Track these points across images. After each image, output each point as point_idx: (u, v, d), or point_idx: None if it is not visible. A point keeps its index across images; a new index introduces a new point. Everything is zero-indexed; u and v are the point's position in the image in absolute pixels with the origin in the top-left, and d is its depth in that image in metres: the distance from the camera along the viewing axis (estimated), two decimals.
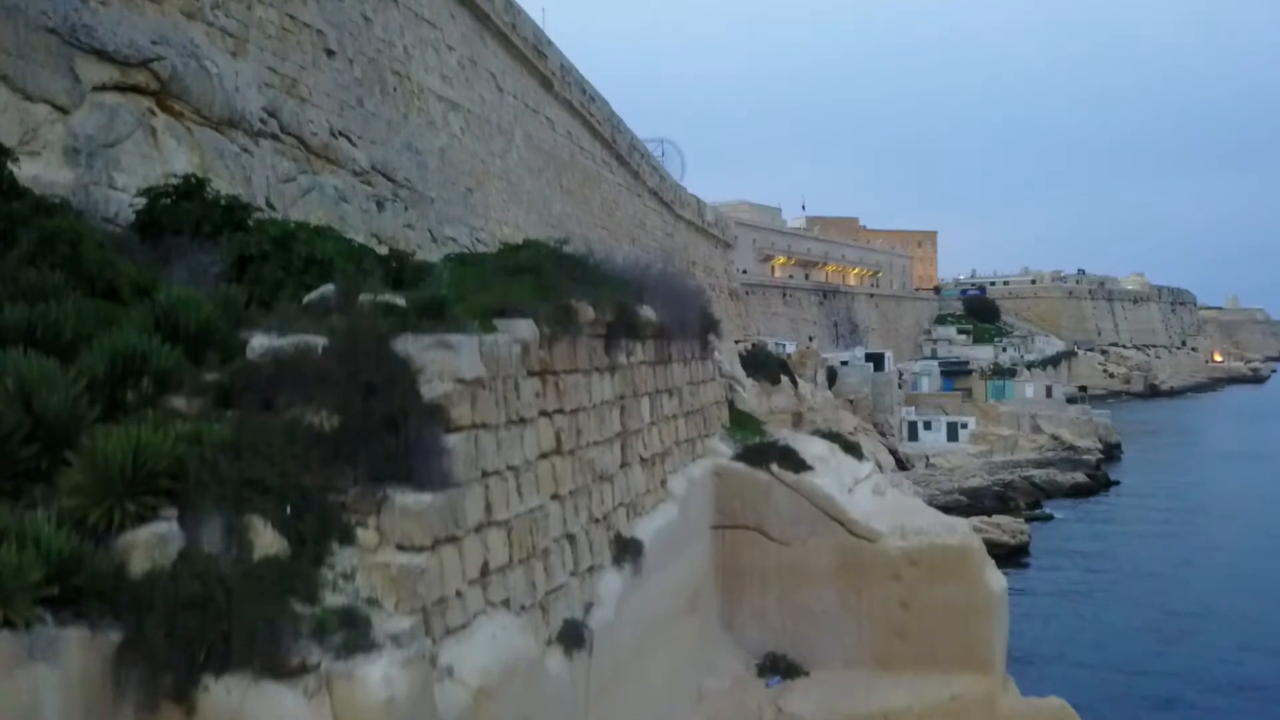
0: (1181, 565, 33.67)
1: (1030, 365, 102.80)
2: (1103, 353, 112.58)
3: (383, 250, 14.27)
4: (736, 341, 41.71)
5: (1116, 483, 48.95)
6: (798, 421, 44.68)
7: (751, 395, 39.98)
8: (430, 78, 16.95)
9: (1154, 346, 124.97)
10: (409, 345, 5.00)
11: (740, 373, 39.40)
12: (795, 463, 10.05)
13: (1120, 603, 29.30)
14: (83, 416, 4.17)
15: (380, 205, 14.28)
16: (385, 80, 15.33)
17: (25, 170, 8.72)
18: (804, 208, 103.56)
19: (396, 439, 4.68)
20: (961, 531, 10.13)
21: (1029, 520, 39.69)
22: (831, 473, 10.42)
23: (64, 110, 9.04)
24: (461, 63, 18.40)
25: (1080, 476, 47.41)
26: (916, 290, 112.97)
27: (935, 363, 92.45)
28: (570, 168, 23.83)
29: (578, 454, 6.73)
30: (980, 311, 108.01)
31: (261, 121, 11.83)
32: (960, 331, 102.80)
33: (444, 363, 5.00)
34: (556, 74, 23.24)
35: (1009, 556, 34.21)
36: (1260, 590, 30.82)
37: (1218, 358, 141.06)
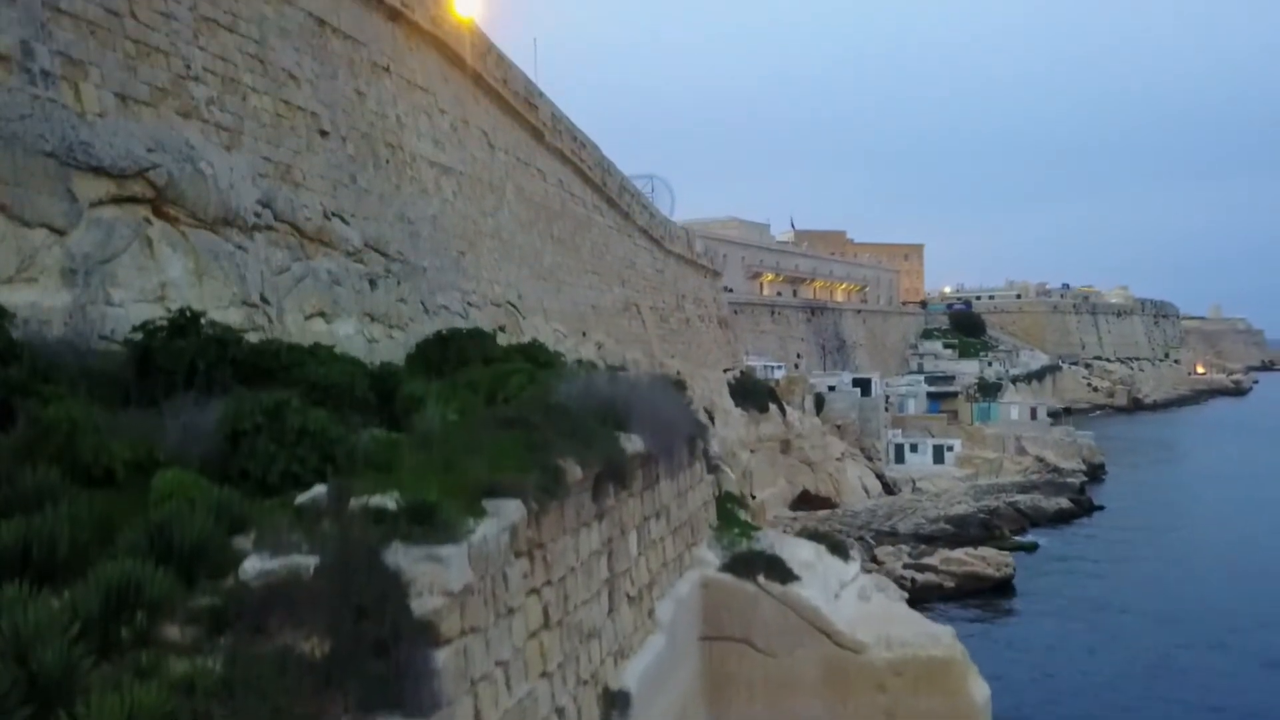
0: (1164, 600, 34.08)
1: (1015, 380, 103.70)
2: (1087, 366, 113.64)
3: (381, 330, 14.38)
4: (726, 370, 41.97)
5: (1100, 507, 49.46)
6: (786, 449, 45.03)
7: (740, 424, 40.26)
8: (422, 144, 17.04)
9: (1137, 359, 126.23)
10: (399, 557, 5.10)
11: (729, 403, 39.65)
12: (782, 572, 10.19)
13: (1106, 648, 29.62)
14: (78, 666, 4.25)
15: (373, 284, 14.36)
16: (378, 153, 15.42)
17: (22, 297, 8.79)
18: (793, 225, 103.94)
19: (387, 663, 4.78)
20: (945, 643, 10.29)
21: (1014, 549, 40.10)
22: (818, 580, 10.58)
23: (61, 232, 9.09)
24: (454, 124, 18.50)
25: (1064, 502, 47.88)
26: (903, 304, 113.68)
27: (921, 378, 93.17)
28: (561, 216, 23.95)
29: (566, 622, 6.85)
30: (966, 326, 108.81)
31: (256, 215, 11.90)
32: (946, 346, 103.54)
33: (434, 575, 5.10)
34: (547, 124, 23.36)
35: (994, 591, 34.65)
36: (1243, 623, 31.30)
37: (1200, 370, 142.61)
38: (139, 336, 8.32)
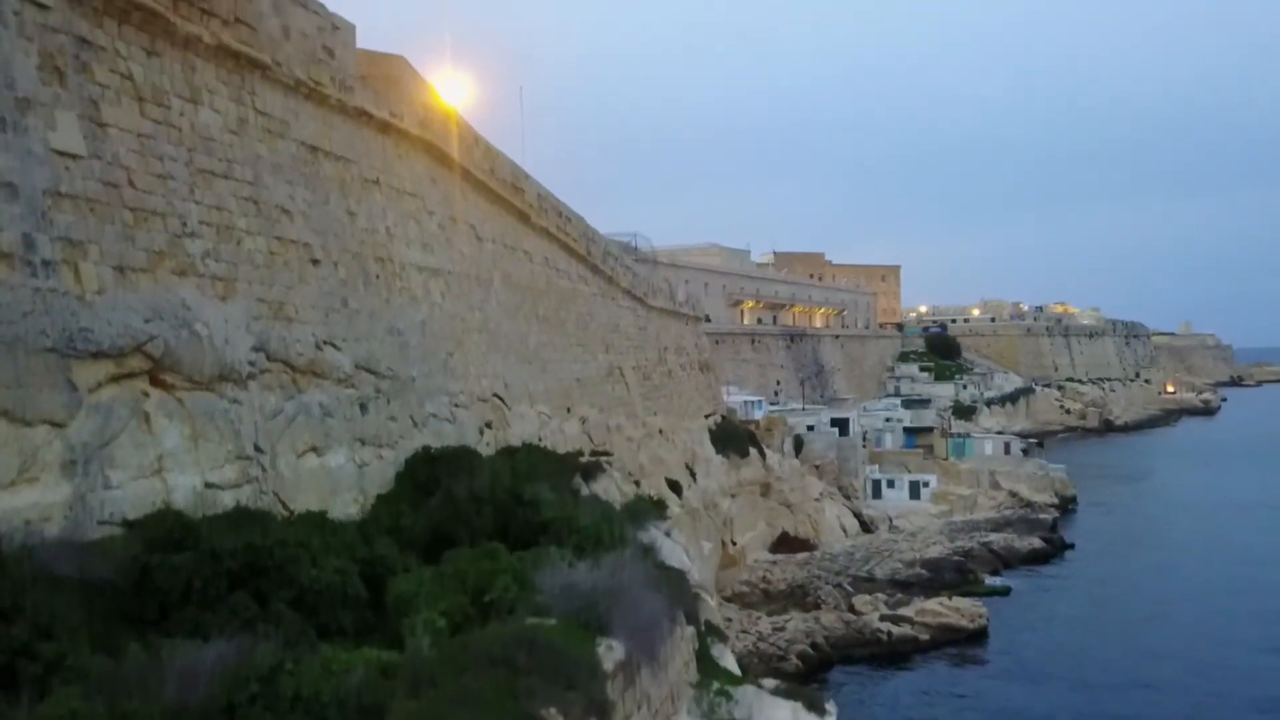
0: (1131, 651, 34.82)
1: (990, 402, 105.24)
2: (1059, 389, 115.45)
3: (371, 453, 14.53)
4: (707, 416, 42.37)
5: (1071, 545, 50.40)
6: (766, 492, 45.50)
7: (721, 472, 40.65)
8: (411, 251, 17.25)
9: (1109, 380, 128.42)
10: None
11: (710, 451, 40.03)
12: None
13: (1074, 702, 30.26)
14: None
15: (364, 408, 14.54)
16: (368, 271, 15.60)
17: (24, 499, 8.92)
18: (774, 253, 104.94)
19: None
20: None
21: (987, 594, 40.82)
22: None
23: (61, 424, 9.23)
24: (442, 224, 18.72)
25: (1036, 541, 48.74)
26: (881, 325, 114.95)
27: (898, 401, 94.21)
28: (546, 294, 24.21)
29: None
30: (941, 349, 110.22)
31: (250, 364, 12.06)
32: (922, 369, 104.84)
33: None
34: (533, 205, 23.62)
35: (968, 642, 35.27)
36: (1213, 674, 32.09)
37: (1170, 389, 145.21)
38: (138, 545, 8.47)
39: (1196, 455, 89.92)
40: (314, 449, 13.22)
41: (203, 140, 12.08)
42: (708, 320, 74.85)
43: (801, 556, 43.75)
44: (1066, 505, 59.77)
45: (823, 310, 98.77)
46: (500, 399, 19.88)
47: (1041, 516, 54.21)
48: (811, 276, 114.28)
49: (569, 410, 24.25)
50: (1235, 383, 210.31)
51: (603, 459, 21.09)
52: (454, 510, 12.75)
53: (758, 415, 50.89)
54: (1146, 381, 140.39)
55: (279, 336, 12.92)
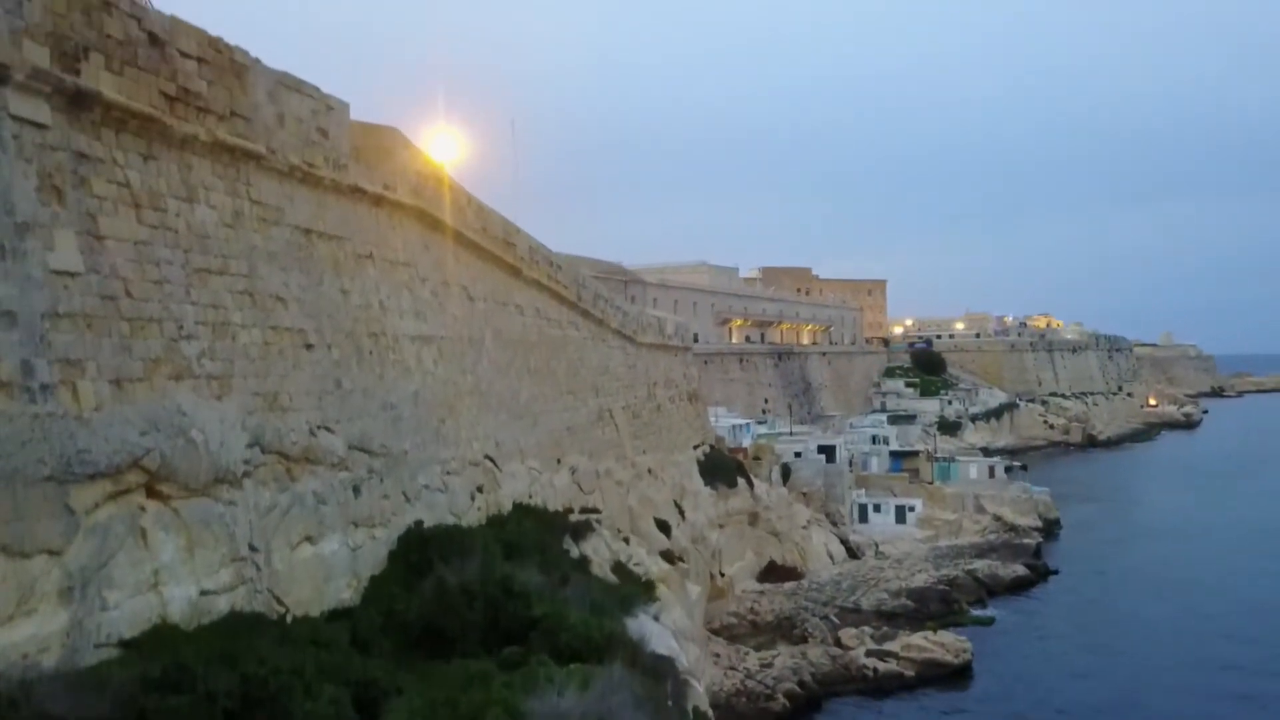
0: (1111, 685, 35.24)
1: (975, 418, 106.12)
2: (1043, 403, 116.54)
3: (364, 534, 14.60)
4: (696, 447, 42.56)
5: (1055, 571, 50.95)
6: (754, 521, 45.72)
7: (709, 504, 40.84)
8: (404, 322, 17.33)
9: (1092, 394, 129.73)
10: None
11: (698, 484, 40.23)
12: None
13: None
14: None
15: (357, 491, 14.60)
16: (361, 348, 15.68)
17: (21, 632, 8.95)
18: (762, 269, 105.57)
19: None
20: None
21: (972, 624, 41.25)
22: None
23: (58, 552, 9.27)
24: (434, 290, 18.81)
25: (1020, 569, 49.21)
26: (868, 340, 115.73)
27: (884, 417, 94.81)
28: (537, 346, 24.33)
29: None
30: (927, 364, 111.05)
31: (245, 462, 12.12)
32: (908, 385, 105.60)
33: None
34: (525, 258, 23.75)
35: (953, 678, 35.60)
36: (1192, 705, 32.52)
37: (1152, 401, 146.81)
38: (135, 682, 8.52)
39: (1177, 473, 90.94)
40: (308, 538, 13.28)
41: (199, 239, 12.15)
42: (695, 340, 75.19)
43: (789, 586, 43.99)
44: (1050, 528, 60.40)
45: (810, 327, 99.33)
46: (491, 460, 19.97)
47: (1025, 541, 54.77)
48: (799, 291, 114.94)
49: (559, 461, 24.36)
50: (1216, 393, 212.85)
51: (591, 517, 21.22)
52: (446, 603, 12.86)
53: (746, 442, 51.14)
54: (1129, 395, 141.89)
55: (274, 428, 12.98)
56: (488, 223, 21.53)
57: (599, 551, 20.19)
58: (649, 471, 32.37)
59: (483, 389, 20.37)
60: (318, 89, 15.02)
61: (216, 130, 12.51)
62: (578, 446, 26.36)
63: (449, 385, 18.69)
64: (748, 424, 59.78)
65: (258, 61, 13.56)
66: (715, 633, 37.84)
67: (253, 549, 11.98)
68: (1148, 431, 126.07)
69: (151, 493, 10.67)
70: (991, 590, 46.60)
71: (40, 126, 9.97)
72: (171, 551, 10.63)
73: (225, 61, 12.79)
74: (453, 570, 14.13)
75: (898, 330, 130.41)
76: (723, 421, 56.13)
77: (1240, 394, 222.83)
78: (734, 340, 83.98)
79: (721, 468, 42.95)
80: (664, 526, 31.09)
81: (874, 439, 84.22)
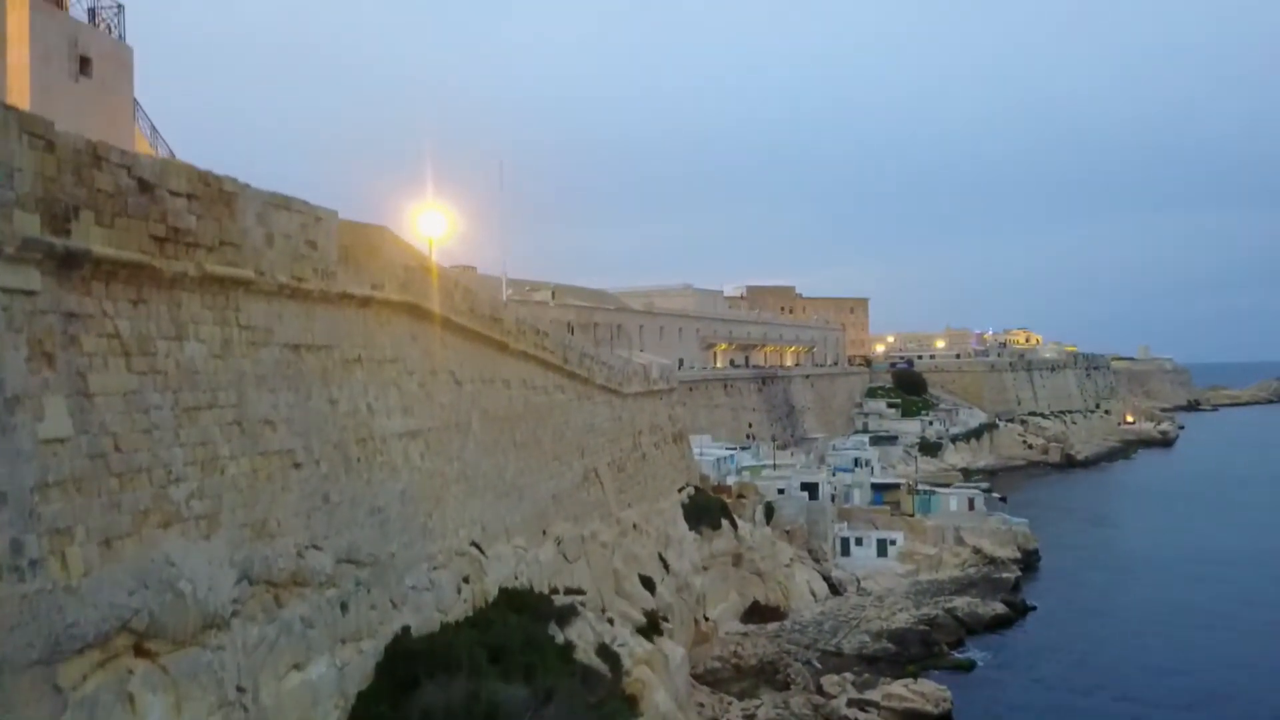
0: None
1: (955, 439, 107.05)
2: (1022, 423, 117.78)
3: (352, 650, 14.60)
4: (680, 489, 42.69)
5: (1033, 608, 51.48)
6: (737, 562, 45.91)
7: (693, 549, 40.97)
8: (392, 421, 17.35)
9: (1070, 412, 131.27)
10: None
11: (682, 530, 40.35)
12: None
13: None
14: None
15: (345, 607, 14.60)
16: (349, 457, 15.69)
17: None
18: (747, 288, 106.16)
19: None
20: None
21: (952, 668, 41.63)
22: None
23: None
24: (422, 381, 18.84)
25: (999, 606, 49.66)
26: (850, 359, 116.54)
27: (866, 439, 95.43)
28: (523, 418, 24.38)
29: None
30: (908, 384, 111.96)
31: (234, 601, 12.11)
32: (890, 405, 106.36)
33: None
34: (512, 331, 23.81)
35: None
36: None
37: (1129, 419, 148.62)
38: None
39: (1153, 498, 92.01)
40: (296, 665, 13.28)
41: (188, 376, 12.13)
42: (681, 366, 75.40)
43: (772, 628, 44.17)
44: (1029, 559, 61.01)
45: (793, 348, 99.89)
46: (477, 546, 20.00)
47: (1004, 576, 55.34)
48: (783, 310, 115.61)
49: (544, 533, 24.41)
50: (1193, 407, 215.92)
51: (576, 600, 21.30)
52: None
53: (731, 479, 51.36)
54: (1106, 413, 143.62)
55: (262, 557, 12.97)
56: (475, 303, 21.58)
57: (584, 636, 20.26)
58: (634, 527, 32.47)
59: (469, 474, 20.39)
60: (305, 203, 15.03)
61: (206, 263, 12.51)
62: (563, 513, 26.42)
63: (435, 477, 18.71)
64: (732, 455, 60.07)
65: (246, 186, 13.57)
66: (699, 678, 37.95)
67: (240, 690, 11.97)
68: (1125, 450, 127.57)
69: (140, 651, 10.64)
70: (971, 629, 47.00)
71: (30, 294, 9.95)
72: (159, 712, 10.61)
73: (214, 193, 12.81)
74: (439, 687, 14.17)
75: (880, 349, 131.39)
76: (707, 454, 56.37)
77: (1215, 407, 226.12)
78: (719, 364, 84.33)
79: (706, 510, 43.12)
80: (648, 583, 31.20)
81: (856, 462, 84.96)
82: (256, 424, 13.35)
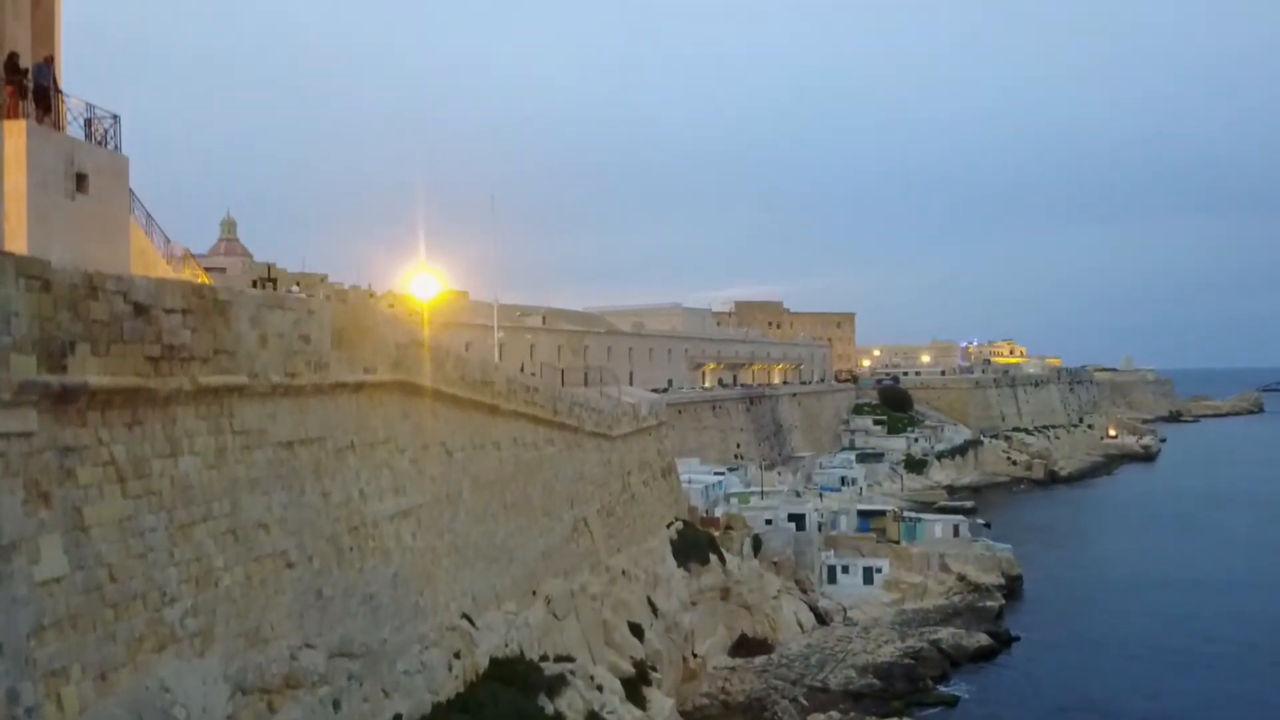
0: None
1: (940, 455, 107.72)
2: (1006, 439, 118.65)
3: None
4: (669, 525, 42.82)
5: (1017, 638, 51.92)
6: (725, 596, 46.06)
7: (681, 586, 41.10)
8: (384, 504, 17.38)
9: (1054, 427, 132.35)
10: None
11: (670, 568, 40.47)
12: None
13: None
14: None
15: (337, 705, 14.64)
16: (342, 548, 15.72)
17: None
18: (736, 304, 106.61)
19: None
20: None
21: (936, 704, 41.98)
22: None
23: None
24: (413, 457, 18.88)
25: (984, 638, 50.05)
26: (837, 375, 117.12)
27: (853, 456, 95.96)
28: (514, 478, 24.44)
29: None
30: (894, 401, 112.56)
31: (228, 717, 12.14)
32: (876, 422, 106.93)
33: None
34: (502, 392, 23.88)
35: None
36: None
37: (1112, 433, 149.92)
38: None
39: (1139, 515, 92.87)
40: None
41: (182, 492, 12.16)
42: (670, 386, 75.60)
43: (759, 662, 44.32)
44: (1013, 585, 61.51)
45: (781, 366, 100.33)
46: (468, 618, 20.04)
47: (988, 604, 55.78)
48: (771, 325, 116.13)
49: (534, 593, 24.47)
50: (1174, 418, 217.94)
51: (565, 669, 21.38)
52: None
53: (719, 510, 51.55)
54: (1089, 427, 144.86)
55: (255, 665, 13.00)
56: (465, 371, 21.65)
57: (573, 705, 20.35)
58: (623, 573, 32.57)
59: (459, 545, 20.45)
60: (298, 299, 15.09)
61: (200, 375, 12.55)
62: (553, 568, 26.49)
63: (427, 554, 18.76)
64: (720, 480, 60.27)
65: (241, 292, 13.62)
66: (688, 716, 38.04)
67: None
68: (1107, 465, 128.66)
69: None
70: (955, 661, 47.34)
71: (26, 435, 9.97)
72: None
73: (209, 305, 12.84)
74: None
75: (866, 363, 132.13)
76: (695, 481, 56.52)
77: (1197, 418, 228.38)
78: (707, 383, 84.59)
79: (694, 545, 43.26)
80: (637, 630, 31.30)
81: (843, 480, 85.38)
82: (250, 529, 13.38)
